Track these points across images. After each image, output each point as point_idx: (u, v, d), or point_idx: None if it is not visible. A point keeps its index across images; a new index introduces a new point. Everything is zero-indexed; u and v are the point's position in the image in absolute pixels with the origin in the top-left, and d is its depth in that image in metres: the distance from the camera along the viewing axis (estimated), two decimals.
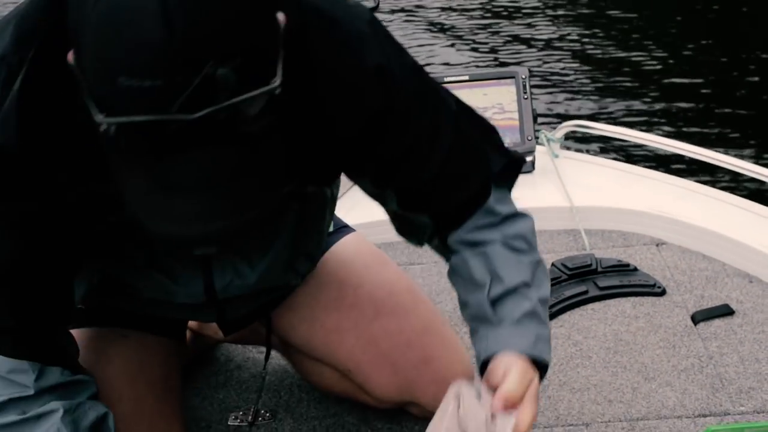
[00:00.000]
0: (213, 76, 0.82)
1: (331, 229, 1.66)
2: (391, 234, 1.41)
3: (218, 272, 1.36)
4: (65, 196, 1.10)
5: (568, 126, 2.56)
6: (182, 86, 0.82)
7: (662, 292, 1.98)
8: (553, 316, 1.93)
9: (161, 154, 0.85)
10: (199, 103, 0.83)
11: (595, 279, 2.03)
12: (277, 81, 0.87)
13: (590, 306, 1.97)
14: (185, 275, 1.36)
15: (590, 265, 2.06)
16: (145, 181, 0.88)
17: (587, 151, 2.80)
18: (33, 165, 1.04)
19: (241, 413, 1.73)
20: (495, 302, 1.22)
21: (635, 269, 2.06)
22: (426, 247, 1.40)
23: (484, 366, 1.19)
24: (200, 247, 1.00)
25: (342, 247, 1.64)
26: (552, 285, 2.01)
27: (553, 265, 2.08)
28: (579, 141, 3.42)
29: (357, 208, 1.96)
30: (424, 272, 2.14)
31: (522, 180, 2.38)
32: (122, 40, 0.82)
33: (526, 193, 2.34)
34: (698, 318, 1.88)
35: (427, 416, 1.62)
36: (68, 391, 1.23)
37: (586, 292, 1.99)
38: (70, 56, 0.90)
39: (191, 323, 1.75)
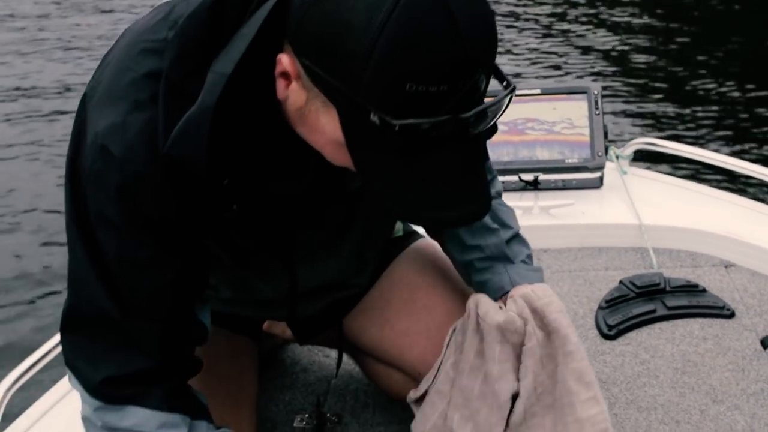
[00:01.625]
0: (477, 81, 0.96)
1: (401, 233, 1.68)
2: None
3: (301, 264, 1.39)
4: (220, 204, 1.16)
5: (637, 143, 2.55)
6: (459, 91, 0.94)
7: (731, 315, 1.96)
8: (620, 334, 1.92)
9: (430, 149, 0.98)
10: (468, 104, 0.96)
11: (663, 298, 2.01)
12: (512, 85, 1.03)
13: (658, 325, 1.96)
14: (271, 270, 1.38)
15: (659, 284, 2.04)
16: (406, 173, 0.99)
17: (657, 169, 2.77)
18: (209, 174, 1.08)
19: (306, 416, 1.75)
20: (507, 243, 1.48)
21: (704, 290, 2.04)
22: None
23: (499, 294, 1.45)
24: (450, 226, 1.40)
25: (414, 250, 1.65)
26: (619, 303, 2.01)
27: (621, 282, 2.08)
28: (648, 158, 3.40)
29: None
30: None
31: (590, 196, 2.42)
32: (418, 52, 0.91)
33: (595, 210, 2.36)
34: None
35: None
36: None
37: (654, 311, 1.97)
38: (286, 59, 0.99)
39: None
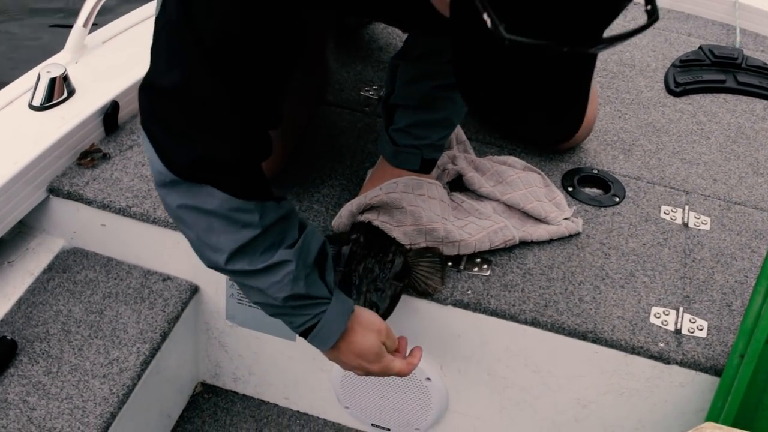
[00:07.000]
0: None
1: None
2: None
3: None
4: None
5: None
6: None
7: None
8: (685, 93, 1.98)
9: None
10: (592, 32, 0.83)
11: (736, 73, 2.04)
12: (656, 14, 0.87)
13: (723, 96, 2.00)
14: None
15: (736, 58, 2.07)
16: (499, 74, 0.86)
17: None
18: None
19: (374, 87, 1.84)
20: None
21: None
22: None
23: None
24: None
25: None
26: (693, 65, 2.05)
27: (700, 47, 2.10)
28: None
29: None
30: None
31: None
32: None
33: None
34: None
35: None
36: (285, 223, 1.22)
37: (723, 81, 2.01)
38: None
39: None
